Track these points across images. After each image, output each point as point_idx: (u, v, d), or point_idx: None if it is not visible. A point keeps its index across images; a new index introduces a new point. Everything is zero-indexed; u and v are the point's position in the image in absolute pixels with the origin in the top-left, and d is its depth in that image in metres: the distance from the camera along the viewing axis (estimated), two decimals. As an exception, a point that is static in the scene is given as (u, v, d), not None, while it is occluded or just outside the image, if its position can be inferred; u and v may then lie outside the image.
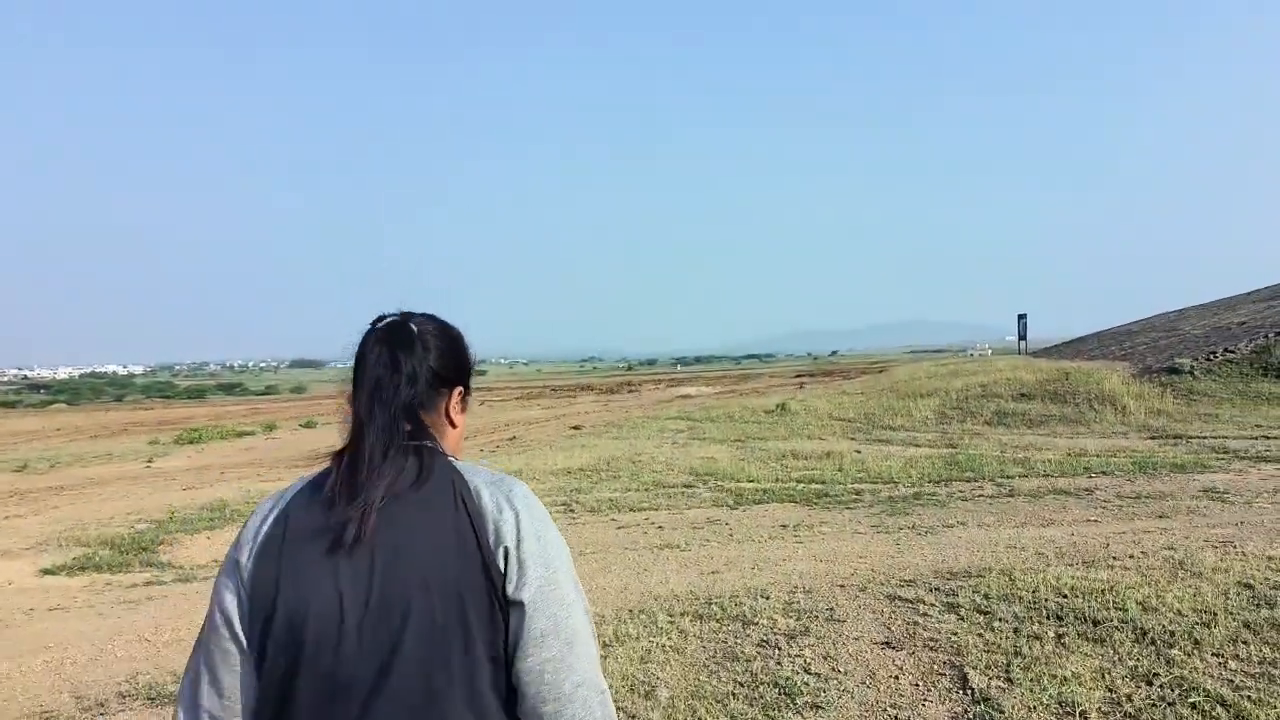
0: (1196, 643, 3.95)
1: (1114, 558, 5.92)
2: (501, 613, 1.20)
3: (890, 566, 6.07)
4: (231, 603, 1.22)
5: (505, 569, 1.21)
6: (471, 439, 21.00)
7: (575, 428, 21.29)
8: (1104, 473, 10.52)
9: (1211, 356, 17.69)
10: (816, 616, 4.76)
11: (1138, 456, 11.67)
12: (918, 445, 14.17)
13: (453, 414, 1.39)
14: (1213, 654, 3.84)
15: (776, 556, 6.62)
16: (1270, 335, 17.82)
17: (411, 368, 1.30)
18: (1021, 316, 35.28)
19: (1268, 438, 12.85)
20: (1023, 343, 35.60)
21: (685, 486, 11.02)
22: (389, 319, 1.34)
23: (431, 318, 1.39)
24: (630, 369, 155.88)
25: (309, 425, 25.88)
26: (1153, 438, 13.76)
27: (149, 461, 20.36)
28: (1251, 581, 4.98)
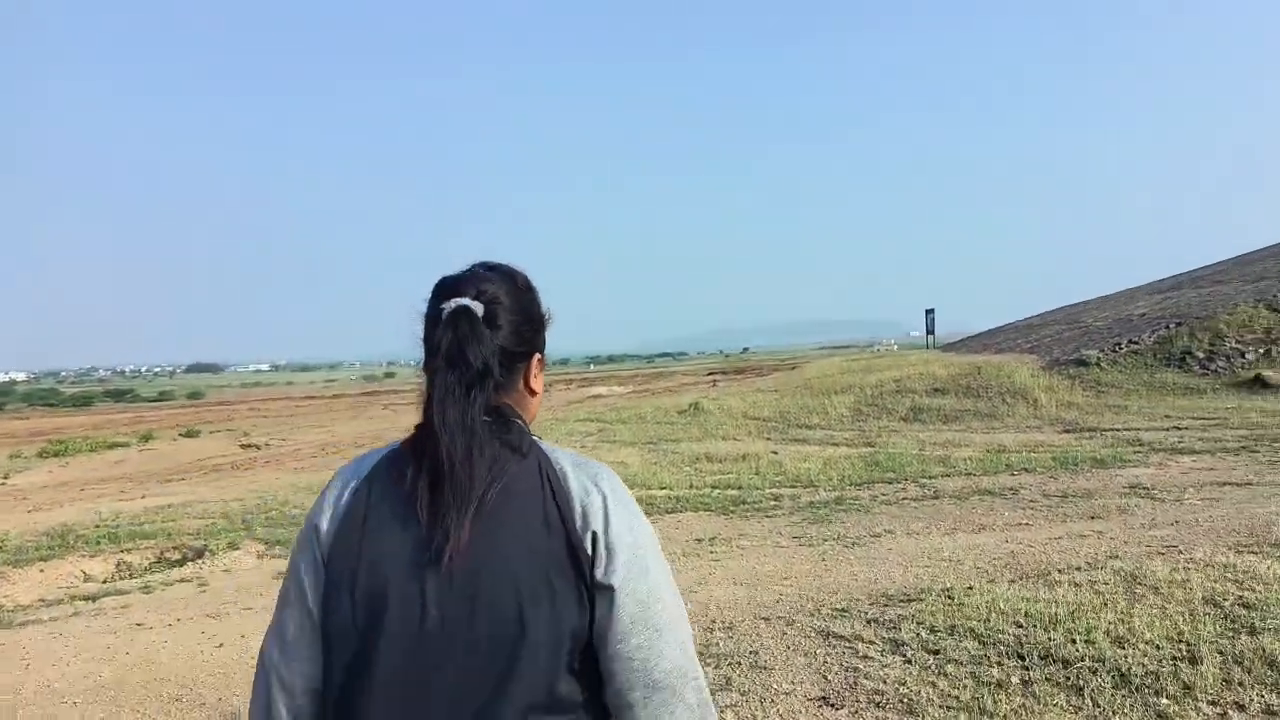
0: (1186, 687, 3.33)
1: (1059, 571, 5.36)
2: (588, 596, 1.15)
3: (818, 589, 5.37)
4: (309, 572, 1.19)
5: (593, 553, 1.15)
6: (369, 444, 19.73)
7: (480, 432, 20.24)
8: (1026, 470, 10.15)
9: (1117, 348, 17.83)
10: (739, 663, 3.99)
11: (1056, 451, 11.41)
12: (835, 444, 13.69)
13: (532, 383, 1.31)
14: (1209, 702, 3.22)
15: (690, 580, 5.85)
16: (1171, 326, 18.07)
17: (483, 362, 1.19)
18: (929, 311, 35.70)
19: (1179, 428, 12.82)
20: (931, 337, 36.02)
21: (593, 496, 10.18)
22: (453, 299, 1.21)
23: (499, 280, 1.26)
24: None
25: (191, 434, 23.98)
26: (1067, 431, 13.62)
27: (4, 478, 18.42)
28: (1216, 598, 4.45)
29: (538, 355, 1.30)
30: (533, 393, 1.31)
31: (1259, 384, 15.36)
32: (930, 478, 10.01)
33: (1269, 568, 5.02)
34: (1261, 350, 16.30)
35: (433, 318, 1.22)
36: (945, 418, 15.88)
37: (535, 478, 1.17)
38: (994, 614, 4.33)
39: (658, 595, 1.16)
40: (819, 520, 7.94)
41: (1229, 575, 4.93)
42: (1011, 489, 9.02)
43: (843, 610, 4.73)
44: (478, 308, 1.20)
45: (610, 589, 1.13)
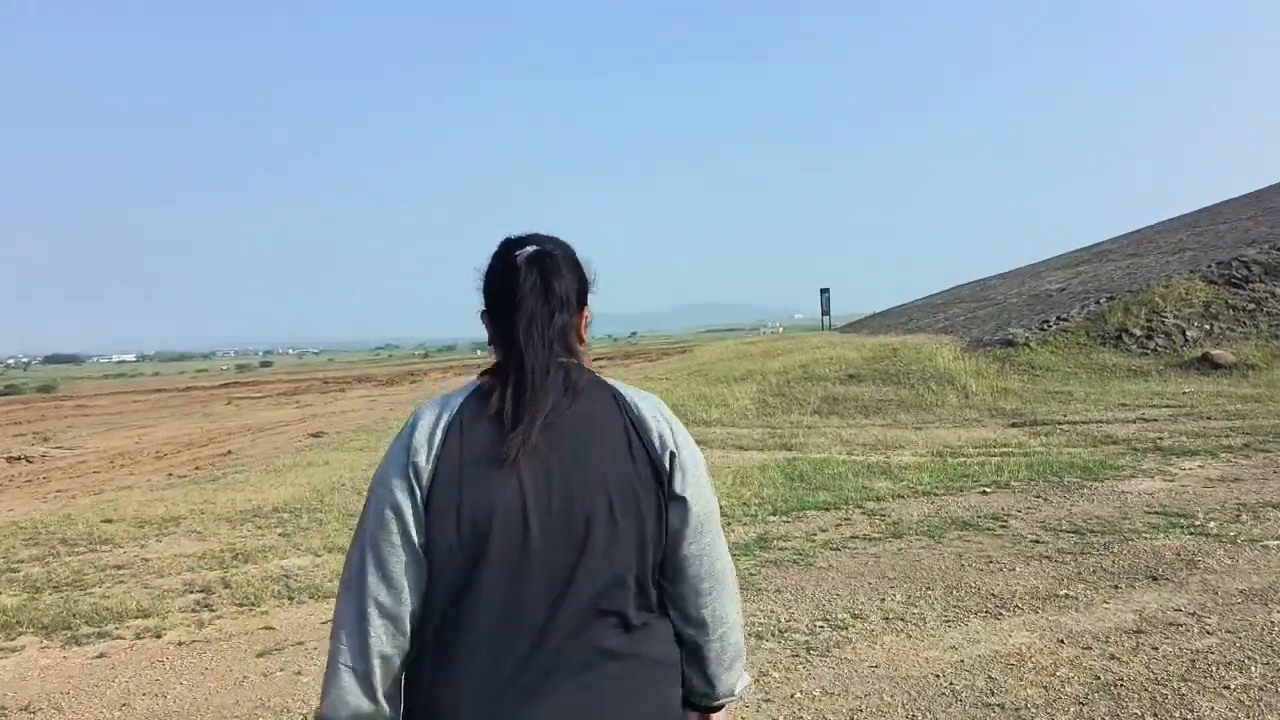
0: None
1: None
2: (664, 506, 1.32)
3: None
4: (406, 502, 1.26)
5: (670, 469, 1.32)
6: (173, 455, 15.99)
7: (315, 435, 16.74)
8: (999, 484, 7.70)
9: (1045, 326, 15.89)
10: None
11: (1018, 453, 9.07)
12: (742, 446, 11.04)
13: (583, 333, 1.46)
14: None
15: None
16: (1101, 301, 16.28)
17: (564, 293, 1.37)
18: (824, 291, 33.83)
19: (1145, 419, 10.75)
20: (826, 317, 34.16)
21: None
22: (529, 246, 1.38)
23: (559, 242, 1.44)
24: (427, 356, 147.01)
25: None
26: (1014, 424, 11.38)
27: None
28: None
29: (586, 310, 1.46)
30: (581, 340, 1.45)
31: (1207, 363, 13.61)
32: (878, 499, 7.43)
33: None
34: (1205, 327, 14.60)
35: (506, 266, 1.37)
36: (865, 409, 13.50)
37: (613, 406, 1.35)
38: None
39: (714, 506, 1.39)
40: (742, 586, 5.19)
41: None
42: (996, 518, 6.52)
43: None
44: (556, 254, 1.39)
45: (684, 499, 1.33)
